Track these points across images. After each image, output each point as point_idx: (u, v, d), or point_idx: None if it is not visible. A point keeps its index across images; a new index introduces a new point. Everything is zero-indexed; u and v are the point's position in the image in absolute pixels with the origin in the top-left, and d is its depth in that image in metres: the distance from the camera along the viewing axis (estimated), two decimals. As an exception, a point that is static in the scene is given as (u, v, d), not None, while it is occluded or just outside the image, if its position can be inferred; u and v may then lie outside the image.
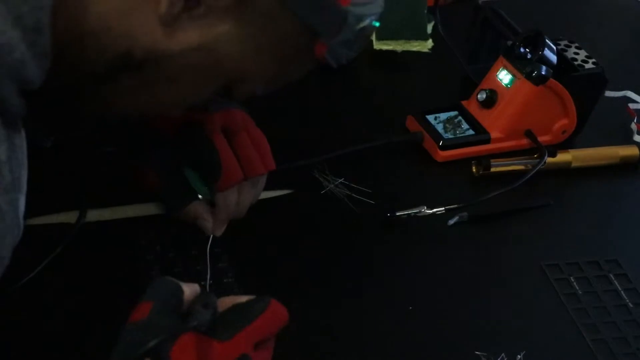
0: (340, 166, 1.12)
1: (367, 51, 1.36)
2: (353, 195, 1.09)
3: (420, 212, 1.06)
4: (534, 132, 1.19)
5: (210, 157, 0.96)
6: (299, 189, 1.08)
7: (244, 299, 0.73)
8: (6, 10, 0.66)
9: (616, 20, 1.58)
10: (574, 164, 1.19)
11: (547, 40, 1.17)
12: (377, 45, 1.36)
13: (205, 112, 0.95)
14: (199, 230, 0.99)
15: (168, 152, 0.98)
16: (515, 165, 1.16)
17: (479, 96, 1.20)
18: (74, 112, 0.81)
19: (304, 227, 1.05)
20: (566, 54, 1.21)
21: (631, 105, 1.30)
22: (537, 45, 1.17)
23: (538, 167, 1.14)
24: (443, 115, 1.21)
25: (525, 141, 1.20)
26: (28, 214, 0.73)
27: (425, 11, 1.38)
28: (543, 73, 1.15)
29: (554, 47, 1.18)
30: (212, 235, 0.98)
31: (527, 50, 1.18)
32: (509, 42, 1.21)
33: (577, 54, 1.22)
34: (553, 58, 1.17)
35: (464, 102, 1.23)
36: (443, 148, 1.17)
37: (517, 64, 1.18)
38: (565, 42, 1.24)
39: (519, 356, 0.92)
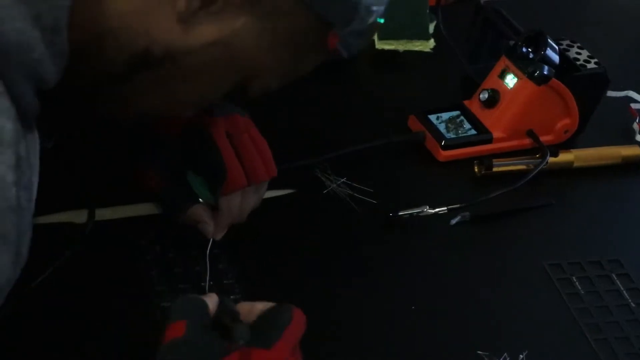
0: (342, 166, 1.12)
1: (369, 51, 1.36)
2: (355, 195, 1.09)
3: (422, 211, 1.06)
4: (536, 132, 1.19)
5: (215, 161, 0.96)
6: (300, 189, 1.08)
7: (261, 305, 0.74)
8: (26, 9, 0.67)
9: (618, 20, 1.58)
10: (576, 164, 1.19)
11: (549, 40, 1.17)
12: (379, 45, 1.36)
13: (210, 116, 0.95)
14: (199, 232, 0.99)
15: (170, 155, 0.98)
16: (517, 165, 1.16)
17: (481, 96, 1.20)
18: (92, 112, 0.82)
19: (305, 227, 1.05)
20: (568, 53, 1.21)
21: (633, 105, 1.30)
22: (539, 45, 1.17)
23: (540, 167, 1.14)
24: (445, 115, 1.21)
25: (527, 141, 1.20)
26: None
27: (427, 11, 1.38)
28: (545, 73, 1.15)
29: (556, 47, 1.18)
30: (212, 239, 0.97)
31: (529, 50, 1.18)
32: (511, 42, 1.21)
33: (579, 53, 1.22)
34: (555, 58, 1.17)
35: (465, 102, 1.23)
36: (445, 148, 1.17)
37: (519, 64, 1.18)
38: (567, 42, 1.24)
39: (521, 356, 0.91)
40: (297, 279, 0.98)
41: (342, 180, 1.10)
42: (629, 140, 1.25)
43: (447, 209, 1.06)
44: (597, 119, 1.24)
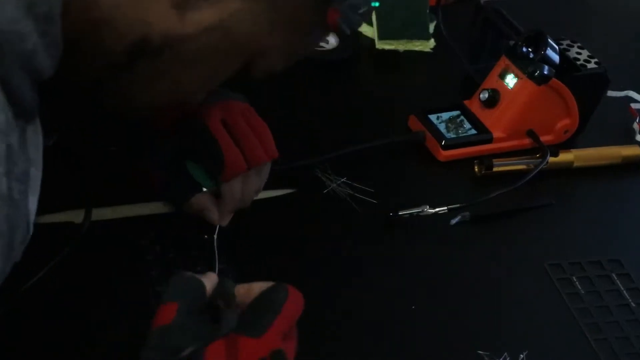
0: (342, 166, 1.12)
1: (370, 51, 1.36)
2: (355, 194, 1.09)
3: (422, 211, 1.06)
4: (536, 132, 1.19)
5: (211, 149, 0.95)
6: (301, 189, 1.08)
7: (258, 286, 0.73)
8: None
9: (618, 20, 1.58)
10: (576, 164, 1.19)
11: (549, 40, 1.17)
12: (380, 45, 1.36)
13: (203, 104, 0.94)
14: (200, 227, 0.99)
15: (168, 147, 0.98)
16: (517, 165, 1.16)
17: (481, 96, 1.20)
18: (95, 107, 0.81)
19: (305, 227, 1.05)
20: (568, 53, 1.21)
21: (633, 105, 1.30)
22: (539, 44, 1.17)
23: (540, 167, 1.14)
24: (445, 115, 1.21)
25: (527, 141, 1.20)
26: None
27: (427, 11, 1.38)
28: (545, 73, 1.15)
29: (556, 47, 1.18)
30: (218, 226, 0.98)
31: (529, 49, 1.18)
32: (511, 42, 1.21)
33: (579, 53, 1.22)
34: (555, 58, 1.17)
35: (466, 102, 1.23)
36: (445, 148, 1.17)
37: (520, 64, 1.18)
38: (568, 42, 1.24)
39: (521, 356, 0.91)
40: (297, 278, 0.97)
41: (342, 180, 1.10)
42: (629, 140, 1.25)
43: (447, 209, 1.06)
44: (597, 119, 1.24)
